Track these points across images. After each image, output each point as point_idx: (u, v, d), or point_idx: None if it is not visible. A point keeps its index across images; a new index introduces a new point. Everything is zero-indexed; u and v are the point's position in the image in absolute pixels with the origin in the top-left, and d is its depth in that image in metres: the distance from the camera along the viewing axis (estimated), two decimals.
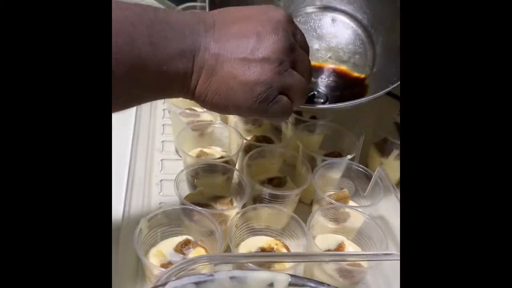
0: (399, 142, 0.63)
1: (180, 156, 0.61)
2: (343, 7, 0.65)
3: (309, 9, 0.66)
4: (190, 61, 0.36)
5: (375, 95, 0.50)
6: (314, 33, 0.65)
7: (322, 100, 0.60)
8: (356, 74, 0.62)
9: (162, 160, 0.63)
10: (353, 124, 0.62)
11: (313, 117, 0.65)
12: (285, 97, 0.39)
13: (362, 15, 0.64)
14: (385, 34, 0.62)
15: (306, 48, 0.43)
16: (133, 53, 0.32)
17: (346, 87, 0.61)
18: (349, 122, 0.62)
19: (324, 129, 0.63)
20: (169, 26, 0.35)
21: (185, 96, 0.39)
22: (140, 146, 0.64)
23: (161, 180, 0.60)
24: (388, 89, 0.50)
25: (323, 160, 0.57)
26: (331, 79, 0.62)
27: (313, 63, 0.54)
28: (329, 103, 0.58)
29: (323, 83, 0.62)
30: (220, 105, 0.38)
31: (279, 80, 0.38)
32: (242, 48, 0.36)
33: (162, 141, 0.67)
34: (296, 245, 0.47)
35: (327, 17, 0.65)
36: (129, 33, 0.32)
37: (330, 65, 0.63)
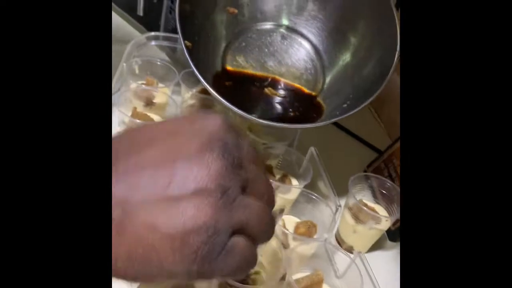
0: (375, 208, 0.58)
1: None
2: (303, 30, 0.67)
3: (261, 26, 0.67)
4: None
5: (331, 120, 0.57)
6: (267, 50, 0.66)
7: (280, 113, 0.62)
8: (307, 91, 0.65)
9: None
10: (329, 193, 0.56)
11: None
12: (241, 239, 0.26)
13: (317, 39, 0.67)
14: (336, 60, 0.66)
15: (256, 160, 0.29)
16: None
17: (300, 103, 0.64)
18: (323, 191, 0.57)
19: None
20: None
21: None
22: None
23: None
24: (346, 115, 0.54)
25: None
26: (286, 93, 0.64)
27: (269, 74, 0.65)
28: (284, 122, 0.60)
29: (279, 97, 0.64)
30: (140, 276, 0.25)
31: (226, 217, 0.25)
32: (161, 182, 0.25)
33: None
34: None
35: (277, 33, 0.67)
36: None
37: (283, 80, 0.65)
